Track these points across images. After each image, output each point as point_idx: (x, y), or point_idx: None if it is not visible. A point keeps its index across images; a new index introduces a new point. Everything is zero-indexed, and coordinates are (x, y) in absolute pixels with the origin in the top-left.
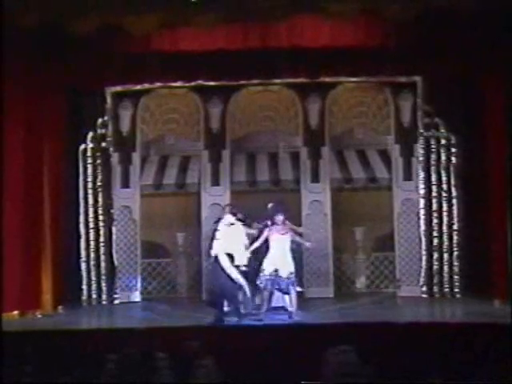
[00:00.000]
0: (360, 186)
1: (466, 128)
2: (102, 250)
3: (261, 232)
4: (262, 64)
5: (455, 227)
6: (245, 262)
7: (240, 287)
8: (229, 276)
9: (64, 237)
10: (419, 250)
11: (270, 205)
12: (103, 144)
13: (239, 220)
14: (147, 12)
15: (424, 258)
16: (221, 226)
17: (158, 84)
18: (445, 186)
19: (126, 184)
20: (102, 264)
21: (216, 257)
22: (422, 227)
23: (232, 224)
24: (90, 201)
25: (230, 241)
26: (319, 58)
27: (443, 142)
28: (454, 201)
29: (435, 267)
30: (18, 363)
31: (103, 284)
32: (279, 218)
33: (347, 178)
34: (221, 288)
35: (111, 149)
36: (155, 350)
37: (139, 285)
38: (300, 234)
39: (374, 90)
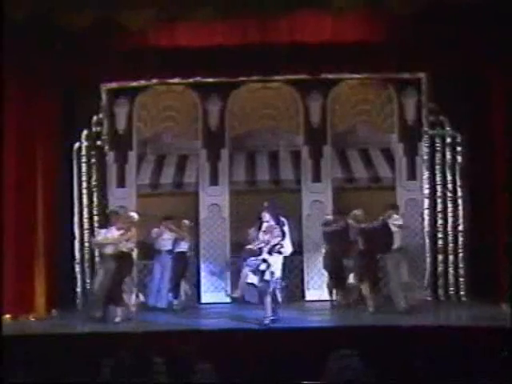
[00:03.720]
0: (363, 185)
1: (472, 126)
2: (96, 251)
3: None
4: (261, 60)
5: (460, 228)
6: None
7: None
8: None
9: (58, 238)
10: (423, 251)
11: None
12: (98, 142)
13: None
14: (144, 6)
15: (428, 259)
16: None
17: (155, 80)
18: (450, 186)
19: (121, 183)
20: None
21: None
22: (427, 228)
23: None
24: (85, 201)
25: None
26: (321, 53)
27: (448, 140)
28: (460, 201)
29: (440, 269)
30: (10, 368)
31: None
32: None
33: (349, 178)
34: None
35: (106, 147)
36: (152, 354)
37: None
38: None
39: (377, 87)
